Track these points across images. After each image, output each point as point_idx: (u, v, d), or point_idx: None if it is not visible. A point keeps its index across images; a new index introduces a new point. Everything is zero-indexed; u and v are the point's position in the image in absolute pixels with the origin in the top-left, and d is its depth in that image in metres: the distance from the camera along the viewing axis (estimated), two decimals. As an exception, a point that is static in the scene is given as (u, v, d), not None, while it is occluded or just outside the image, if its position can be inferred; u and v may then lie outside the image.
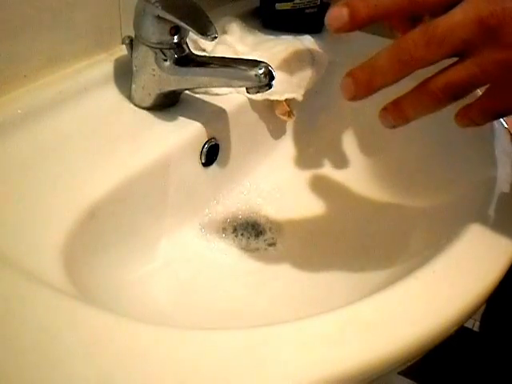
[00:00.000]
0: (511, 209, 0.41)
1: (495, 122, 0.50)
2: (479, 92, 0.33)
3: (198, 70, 0.45)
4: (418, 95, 0.32)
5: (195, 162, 0.48)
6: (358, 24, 0.32)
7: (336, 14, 0.32)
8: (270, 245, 0.50)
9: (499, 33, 0.29)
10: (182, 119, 0.47)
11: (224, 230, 0.50)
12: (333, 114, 0.59)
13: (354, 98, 0.33)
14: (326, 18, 0.32)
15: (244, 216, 0.52)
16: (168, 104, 0.48)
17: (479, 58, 0.30)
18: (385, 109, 0.34)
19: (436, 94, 0.32)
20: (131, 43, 0.46)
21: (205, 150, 0.48)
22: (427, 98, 0.32)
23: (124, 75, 0.49)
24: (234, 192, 0.53)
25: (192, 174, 0.48)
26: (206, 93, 0.50)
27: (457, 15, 0.30)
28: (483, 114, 0.34)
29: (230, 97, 0.51)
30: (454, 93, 0.31)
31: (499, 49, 0.30)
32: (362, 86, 0.33)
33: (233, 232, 0.50)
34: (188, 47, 0.46)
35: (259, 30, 0.60)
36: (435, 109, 0.32)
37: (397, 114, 0.34)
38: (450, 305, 0.33)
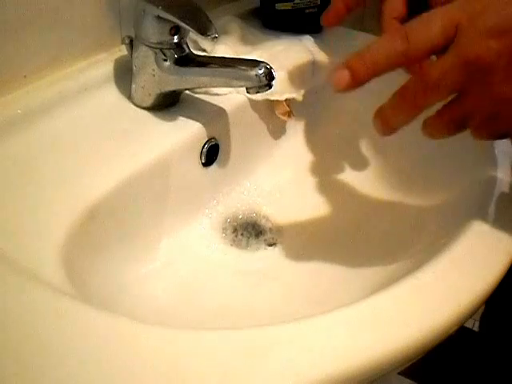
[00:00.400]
0: (511, 209, 0.41)
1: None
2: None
3: (197, 69, 0.45)
4: (435, 122, 0.36)
5: (195, 162, 0.48)
6: (359, 83, 0.35)
7: (339, 77, 0.35)
8: (270, 245, 0.50)
9: (486, 71, 0.32)
10: (181, 119, 0.47)
11: (224, 229, 0.50)
12: (333, 114, 0.59)
13: (384, 135, 0.37)
14: (331, 80, 0.35)
15: (244, 216, 0.52)
16: (168, 104, 0.48)
17: (472, 95, 0.33)
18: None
19: (445, 124, 0.36)
20: (131, 43, 0.46)
21: (205, 150, 0.48)
22: (440, 126, 0.36)
23: (124, 75, 0.49)
24: (234, 192, 0.53)
25: (192, 174, 0.48)
26: (206, 93, 0.50)
27: (446, 61, 0.33)
28: (482, 137, 0.36)
29: (230, 97, 0.51)
30: (458, 125, 0.35)
31: (489, 84, 0.33)
32: (386, 127, 0.36)
33: (233, 232, 0.50)
34: (188, 47, 0.46)
35: (259, 30, 0.60)
36: (448, 135, 0.36)
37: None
38: (449, 305, 0.33)
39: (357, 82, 0.34)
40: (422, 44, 0.33)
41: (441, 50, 0.33)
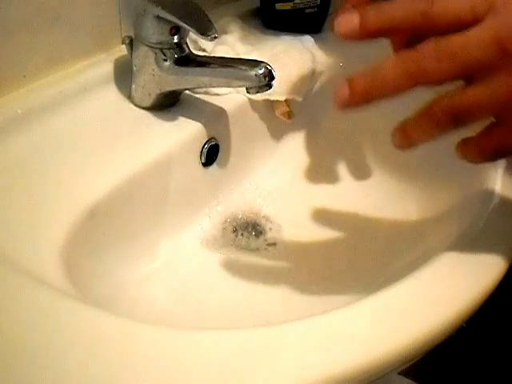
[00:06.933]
0: (511, 211, 0.41)
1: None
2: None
3: (198, 69, 0.45)
4: (419, 117, 0.30)
5: (195, 161, 0.48)
6: (367, 33, 0.30)
7: (346, 20, 0.30)
8: (270, 245, 0.50)
9: None
10: (182, 119, 0.47)
11: (224, 230, 0.50)
12: (333, 114, 0.59)
13: (346, 106, 0.31)
14: (335, 22, 0.31)
15: (244, 216, 0.52)
16: (168, 104, 0.48)
17: (490, 83, 0.28)
18: (394, 130, 0.32)
19: (437, 117, 0.30)
20: (131, 43, 0.46)
21: (205, 150, 0.48)
22: (427, 121, 0.30)
23: (124, 75, 0.49)
24: (234, 192, 0.53)
25: (192, 173, 0.48)
26: (206, 93, 0.50)
27: (473, 33, 0.28)
28: (481, 154, 0.31)
29: (230, 97, 0.51)
30: (456, 118, 0.29)
31: None
32: (358, 95, 0.30)
33: (233, 232, 0.50)
34: (188, 47, 0.46)
35: (259, 30, 0.60)
36: (435, 133, 0.30)
37: (402, 136, 0.32)
38: (449, 305, 0.33)
39: (365, 30, 0.30)
40: (447, 11, 0.29)
41: (465, 27, 0.28)
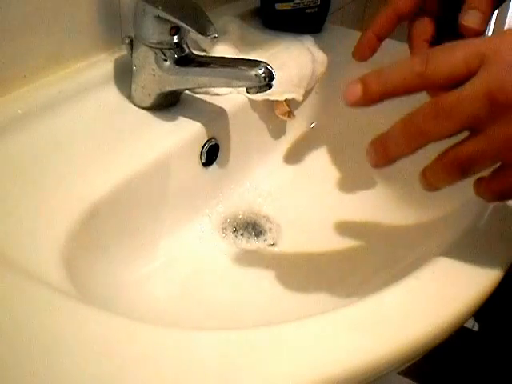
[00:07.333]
0: (511, 211, 0.41)
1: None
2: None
3: (198, 69, 0.45)
4: (435, 165, 0.33)
5: (195, 161, 0.48)
6: (370, 98, 0.33)
7: (351, 90, 0.33)
8: (270, 245, 0.50)
9: (509, 108, 0.29)
10: (182, 119, 0.47)
11: (224, 229, 0.50)
12: (333, 114, 0.59)
13: (376, 166, 0.34)
14: (344, 93, 0.33)
15: (244, 216, 0.52)
16: (168, 104, 0.48)
17: (488, 134, 0.30)
18: (420, 174, 0.34)
19: (447, 167, 0.32)
20: (131, 43, 0.46)
21: (205, 150, 0.48)
22: (441, 171, 0.32)
23: (124, 75, 0.49)
24: (234, 192, 0.53)
25: (192, 173, 0.48)
26: (206, 93, 0.50)
27: (466, 89, 0.30)
28: (490, 194, 0.33)
29: (230, 97, 0.51)
30: (462, 168, 0.31)
31: (509, 125, 0.29)
32: (381, 156, 0.33)
33: (233, 232, 0.50)
34: (188, 47, 0.46)
35: (259, 30, 0.60)
36: (449, 182, 0.32)
37: (423, 182, 0.34)
38: (450, 305, 0.33)
39: (368, 96, 0.32)
40: (442, 69, 0.31)
41: (462, 80, 0.30)
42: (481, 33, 0.41)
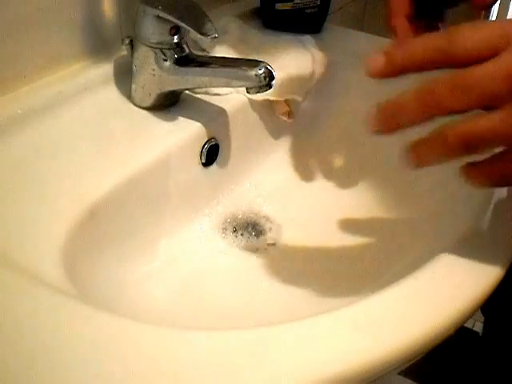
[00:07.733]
0: (510, 211, 0.41)
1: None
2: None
3: (198, 69, 0.45)
4: (432, 139, 0.31)
5: (195, 161, 0.48)
6: (392, 70, 0.32)
7: (374, 61, 0.32)
8: (270, 245, 0.50)
9: None
10: (182, 119, 0.47)
11: (224, 229, 0.50)
12: (333, 114, 0.59)
13: (379, 131, 0.33)
14: (366, 64, 0.33)
15: (244, 216, 0.52)
16: (168, 104, 0.48)
17: (503, 114, 0.29)
18: (407, 149, 0.33)
19: (449, 141, 0.31)
20: (131, 43, 0.46)
21: (205, 150, 0.48)
22: (440, 144, 0.31)
23: (124, 75, 0.49)
24: (234, 192, 0.53)
25: (192, 173, 0.48)
26: (206, 93, 0.50)
27: (489, 67, 0.29)
28: (486, 179, 0.32)
29: (230, 97, 0.51)
30: (468, 144, 0.30)
31: None
32: (387, 122, 0.32)
33: (233, 232, 0.50)
34: (188, 47, 0.46)
35: (259, 30, 0.60)
36: (446, 157, 0.31)
37: (414, 157, 0.33)
38: (449, 305, 0.33)
39: (390, 67, 0.32)
40: (465, 45, 0.30)
41: (485, 60, 0.30)
42: (490, 4, 0.40)
